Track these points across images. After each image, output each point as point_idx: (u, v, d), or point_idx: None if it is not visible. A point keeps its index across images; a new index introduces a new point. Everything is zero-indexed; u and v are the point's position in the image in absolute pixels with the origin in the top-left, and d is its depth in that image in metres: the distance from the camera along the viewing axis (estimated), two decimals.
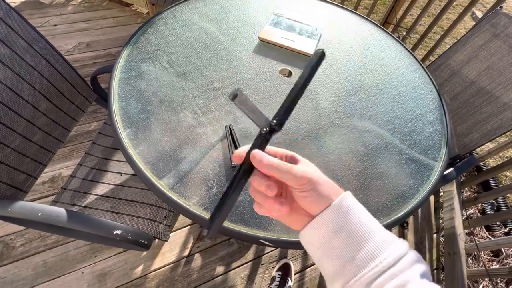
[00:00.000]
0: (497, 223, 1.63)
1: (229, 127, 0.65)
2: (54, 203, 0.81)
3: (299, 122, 0.70)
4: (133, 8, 2.19)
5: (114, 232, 0.61)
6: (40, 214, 0.59)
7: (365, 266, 0.25)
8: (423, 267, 0.25)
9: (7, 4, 0.66)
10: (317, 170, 0.30)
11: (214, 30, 0.88)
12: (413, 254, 0.26)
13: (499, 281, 1.40)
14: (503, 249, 1.49)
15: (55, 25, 1.92)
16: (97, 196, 0.84)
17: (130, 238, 0.63)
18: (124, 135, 0.61)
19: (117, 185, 0.87)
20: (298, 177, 0.28)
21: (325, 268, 0.28)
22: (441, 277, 1.25)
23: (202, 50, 0.82)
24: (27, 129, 0.73)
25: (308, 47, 0.86)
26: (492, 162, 1.89)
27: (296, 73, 0.82)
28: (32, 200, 1.14)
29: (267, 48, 0.86)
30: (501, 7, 0.96)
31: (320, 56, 0.32)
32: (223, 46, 0.84)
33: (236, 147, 0.62)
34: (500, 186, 1.67)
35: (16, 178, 0.71)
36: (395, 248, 0.26)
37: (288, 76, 0.81)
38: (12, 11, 0.67)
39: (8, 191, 0.68)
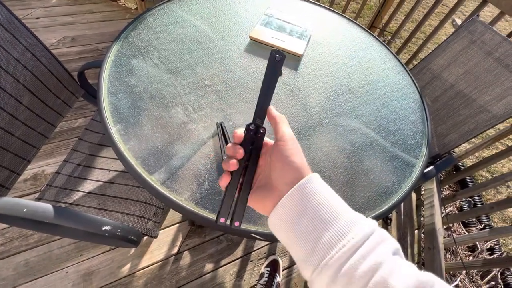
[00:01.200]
0: (474, 220, 1.72)
1: (221, 124, 0.66)
2: (38, 200, 0.79)
3: (288, 120, 0.72)
4: (121, 3, 2.15)
5: (103, 228, 0.60)
6: (25, 210, 0.57)
7: (332, 248, 0.24)
8: (393, 244, 0.25)
9: None
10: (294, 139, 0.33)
11: (206, 28, 0.88)
12: (381, 232, 0.25)
13: (474, 275, 1.48)
14: (478, 244, 1.58)
15: (37, 18, 1.85)
16: (84, 193, 0.83)
17: (119, 234, 0.62)
18: (114, 130, 0.61)
19: (105, 182, 0.86)
20: (286, 133, 0.32)
21: (294, 254, 0.27)
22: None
23: (194, 47, 0.82)
24: (10, 123, 0.71)
25: (298, 48, 0.88)
26: (469, 162, 2.00)
27: (286, 73, 0.84)
28: None
29: (258, 47, 0.88)
30: (477, 15, 1.02)
31: (274, 58, 0.35)
32: (215, 44, 0.85)
33: (227, 143, 0.63)
34: (475, 184, 1.77)
35: None
36: (361, 228, 0.25)
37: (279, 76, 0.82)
38: None
39: None
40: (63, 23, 1.87)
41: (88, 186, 0.84)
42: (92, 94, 0.94)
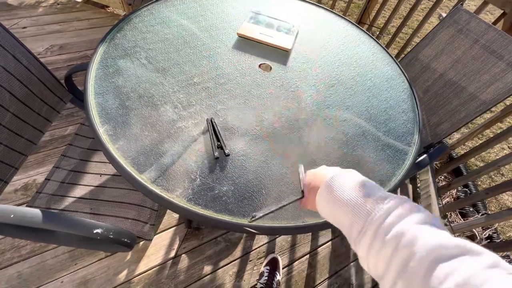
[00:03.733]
0: (471, 209, 1.73)
1: (211, 120, 0.65)
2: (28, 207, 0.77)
3: (280, 114, 0.72)
4: (108, 10, 2.14)
5: (95, 231, 0.58)
6: (12, 215, 0.55)
7: (368, 216, 0.30)
8: (420, 215, 0.28)
9: None
10: (315, 172, 0.44)
11: (193, 27, 0.88)
12: (408, 204, 0.29)
13: None
14: (477, 234, 1.58)
15: (24, 27, 1.83)
16: (75, 199, 0.81)
17: (111, 237, 0.60)
18: (102, 130, 0.60)
19: (97, 186, 0.84)
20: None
21: (340, 226, 0.34)
22: None
23: (181, 46, 0.82)
24: None
25: (286, 43, 0.88)
26: (462, 151, 2.02)
27: (275, 67, 0.84)
28: None
29: (246, 44, 0.88)
30: (461, 4, 1.04)
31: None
32: (202, 43, 0.84)
33: (218, 139, 0.62)
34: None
35: None
36: (385, 202, 0.30)
37: (268, 71, 0.82)
38: None
39: None
40: (51, 31, 1.85)
41: (79, 191, 0.82)
42: (80, 98, 0.92)
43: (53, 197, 0.81)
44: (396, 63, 0.96)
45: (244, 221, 0.53)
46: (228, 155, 0.61)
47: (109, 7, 2.15)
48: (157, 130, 0.63)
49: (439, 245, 0.24)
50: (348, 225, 0.32)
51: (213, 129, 0.64)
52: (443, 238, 0.25)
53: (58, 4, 2.06)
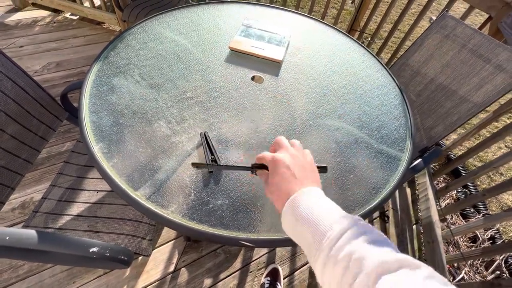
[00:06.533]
0: (471, 210, 1.73)
1: (204, 133, 0.66)
2: (24, 227, 0.77)
3: (273, 125, 0.73)
4: (104, 26, 2.18)
5: (91, 250, 0.58)
6: (8, 238, 0.55)
7: (323, 237, 0.31)
8: (369, 235, 0.30)
9: None
10: (291, 161, 0.40)
11: (186, 42, 0.90)
12: (358, 227, 0.31)
13: (478, 266, 1.47)
14: (479, 235, 1.57)
15: (21, 46, 1.86)
16: (72, 217, 0.81)
17: (108, 255, 0.60)
18: (96, 149, 0.60)
19: (94, 203, 0.84)
20: (267, 161, 0.43)
21: (301, 244, 0.35)
22: None
23: (174, 62, 0.83)
24: None
25: (277, 54, 0.90)
26: (459, 152, 2.02)
27: (268, 79, 0.85)
28: None
29: (238, 57, 0.89)
30: (447, 11, 1.06)
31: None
32: (195, 57, 0.86)
33: (212, 153, 0.63)
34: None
35: None
36: (340, 224, 0.32)
37: (260, 83, 0.84)
38: None
39: None
40: (48, 49, 1.88)
41: (76, 209, 0.82)
42: (76, 116, 0.93)
43: (50, 215, 0.81)
44: (387, 70, 0.98)
45: (240, 234, 0.54)
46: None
47: (104, 23, 2.19)
48: (151, 146, 0.63)
49: (383, 261, 0.27)
50: (309, 244, 0.33)
51: (206, 143, 0.64)
52: (386, 254, 0.28)
53: (54, 22, 2.10)
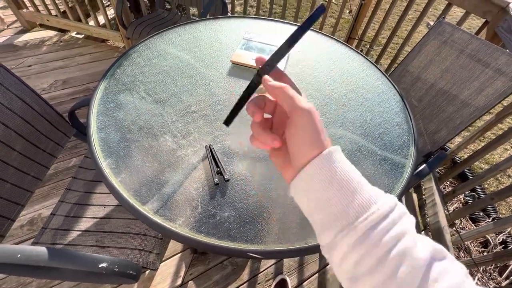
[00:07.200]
0: (481, 214, 1.70)
1: (209, 146, 0.67)
2: (34, 244, 0.78)
3: None
4: (109, 43, 2.24)
5: (100, 266, 0.59)
6: (19, 255, 0.56)
7: (361, 214, 0.25)
8: (413, 218, 0.27)
9: None
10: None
11: (189, 57, 0.92)
12: (402, 206, 0.27)
13: (492, 271, 1.44)
14: (490, 239, 1.54)
15: (29, 66, 1.92)
16: (80, 232, 0.82)
17: (117, 270, 0.61)
18: (104, 165, 0.62)
19: (101, 218, 0.85)
20: (299, 107, 0.28)
21: (317, 218, 0.28)
22: None
23: (178, 77, 0.86)
24: (3, 170, 0.71)
25: (278, 66, 0.92)
26: (465, 155, 2.01)
27: None
28: None
29: (240, 70, 0.91)
30: (444, 17, 1.08)
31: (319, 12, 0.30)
32: (198, 72, 0.88)
33: (217, 166, 0.64)
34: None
35: None
36: (386, 200, 0.26)
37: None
38: None
39: None
40: (55, 67, 1.94)
41: (84, 224, 0.83)
42: (83, 132, 0.95)
43: (58, 231, 0.82)
44: (386, 77, 0.99)
45: (247, 246, 0.54)
46: (228, 180, 0.62)
47: (109, 40, 2.25)
48: (158, 160, 0.65)
49: (434, 248, 0.25)
50: (335, 215, 0.26)
51: (212, 156, 0.66)
52: (432, 241, 0.26)
53: (61, 41, 2.17)
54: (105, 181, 0.60)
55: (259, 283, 1.11)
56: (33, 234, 1.13)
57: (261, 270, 1.15)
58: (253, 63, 0.92)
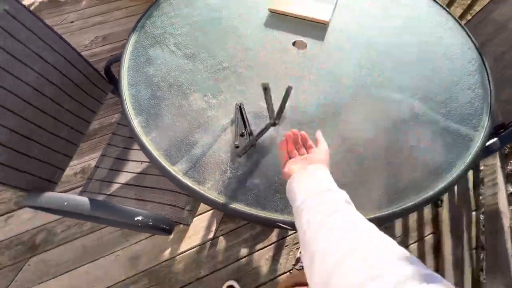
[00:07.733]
0: None
1: (240, 105, 0.62)
2: (82, 192, 0.85)
3: (317, 96, 0.65)
4: None
5: (136, 219, 0.62)
6: (66, 203, 0.61)
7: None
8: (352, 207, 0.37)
9: (28, 9, 0.67)
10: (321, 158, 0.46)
11: (221, 6, 0.83)
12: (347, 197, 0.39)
13: None
14: None
15: (72, 22, 1.96)
16: (121, 185, 0.87)
17: (151, 224, 0.63)
18: (136, 122, 0.61)
19: (139, 173, 0.89)
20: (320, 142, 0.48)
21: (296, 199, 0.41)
22: (481, 256, 1.16)
23: (210, 29, 0.78)
24: (54, 125, 0.76)
25: (323, 14, 0.78)
26: None
27: (311, 44, 0.75)
28: (66, 191, 1.22)
29: (278, 20, 0.80)
30: None
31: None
32: (231, 23, 0.79)
33: (245, 126, 0.59)
34: None
35: (46, 171, 0.74)
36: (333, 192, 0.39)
37: (303, 48, 0.74)
38: (32, 16, 0.68)
39: (39, 183, 0.72)
40: (94, 23, 1.96)
41: (124, 178, 0.88)
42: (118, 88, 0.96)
43: (103, 182, 0.88)
44: (462, 26, 0.79)
45: (277, 216, 0.51)
46: (253, 146, 0.57)
47: None
48: (188, 120, 0.62)
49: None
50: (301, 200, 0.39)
51: (240, 115, 0.60)
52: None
53: None
54: (136, 140, 0.59)
55: (286, 245, 1.13)
56: (83, 182, 1.26)
57: (289, 234, 1.16)
58: (294, 11, 0.79)
